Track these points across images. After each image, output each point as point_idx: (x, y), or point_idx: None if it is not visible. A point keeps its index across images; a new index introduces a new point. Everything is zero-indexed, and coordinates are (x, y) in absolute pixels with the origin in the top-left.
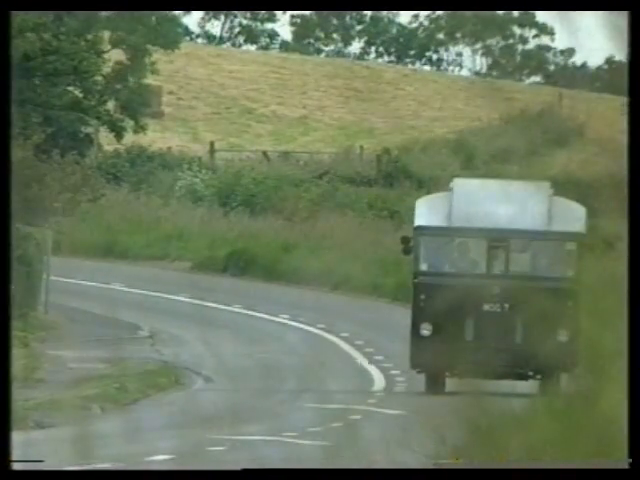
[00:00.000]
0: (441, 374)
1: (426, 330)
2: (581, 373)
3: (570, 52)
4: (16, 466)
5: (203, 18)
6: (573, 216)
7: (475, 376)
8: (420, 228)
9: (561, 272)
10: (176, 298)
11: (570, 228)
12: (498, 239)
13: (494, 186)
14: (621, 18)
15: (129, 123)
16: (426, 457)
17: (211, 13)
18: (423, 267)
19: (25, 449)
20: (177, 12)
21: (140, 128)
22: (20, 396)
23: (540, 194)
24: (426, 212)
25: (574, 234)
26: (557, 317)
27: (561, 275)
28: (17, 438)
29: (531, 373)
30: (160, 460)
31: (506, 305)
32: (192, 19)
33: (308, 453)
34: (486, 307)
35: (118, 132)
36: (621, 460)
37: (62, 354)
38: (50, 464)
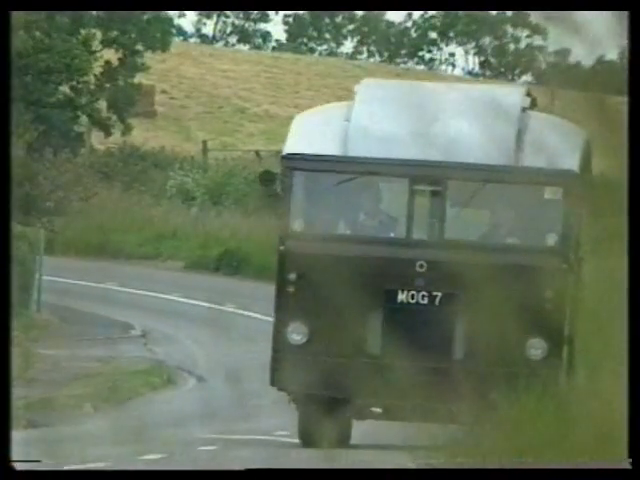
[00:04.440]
0: (334, 410)
1: (297, 334)
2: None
3: (563, 52)
4: (15, 466)
5: (197, 18)
6: (562, 144)
7: (386, 417)
8: (292, 158)
9: (535, 239)
10: (169, 297)
11: (554, 164)
12: (428, 180)
13: (426, 91)
14: (616, 17)
15: (120, 125)
16: (417, 457)
17: (204, 13)
18: (296, 226)
19: (17, 448)
20: (169, 12)
21: (126, 129)
22: (13, 395)
23: (507, 105)
24: (306, 132)
25: (561, 174)
26: (526, 317)
27: (535, 244)
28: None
29: None
30: (152, 459)
31: (438, 294)
32: (185, 19)
33: (300, 452)
34: (403, 297)
35: (106, 129)
36: (620, 460)
37: (54, 353)
38: (44, 464)
